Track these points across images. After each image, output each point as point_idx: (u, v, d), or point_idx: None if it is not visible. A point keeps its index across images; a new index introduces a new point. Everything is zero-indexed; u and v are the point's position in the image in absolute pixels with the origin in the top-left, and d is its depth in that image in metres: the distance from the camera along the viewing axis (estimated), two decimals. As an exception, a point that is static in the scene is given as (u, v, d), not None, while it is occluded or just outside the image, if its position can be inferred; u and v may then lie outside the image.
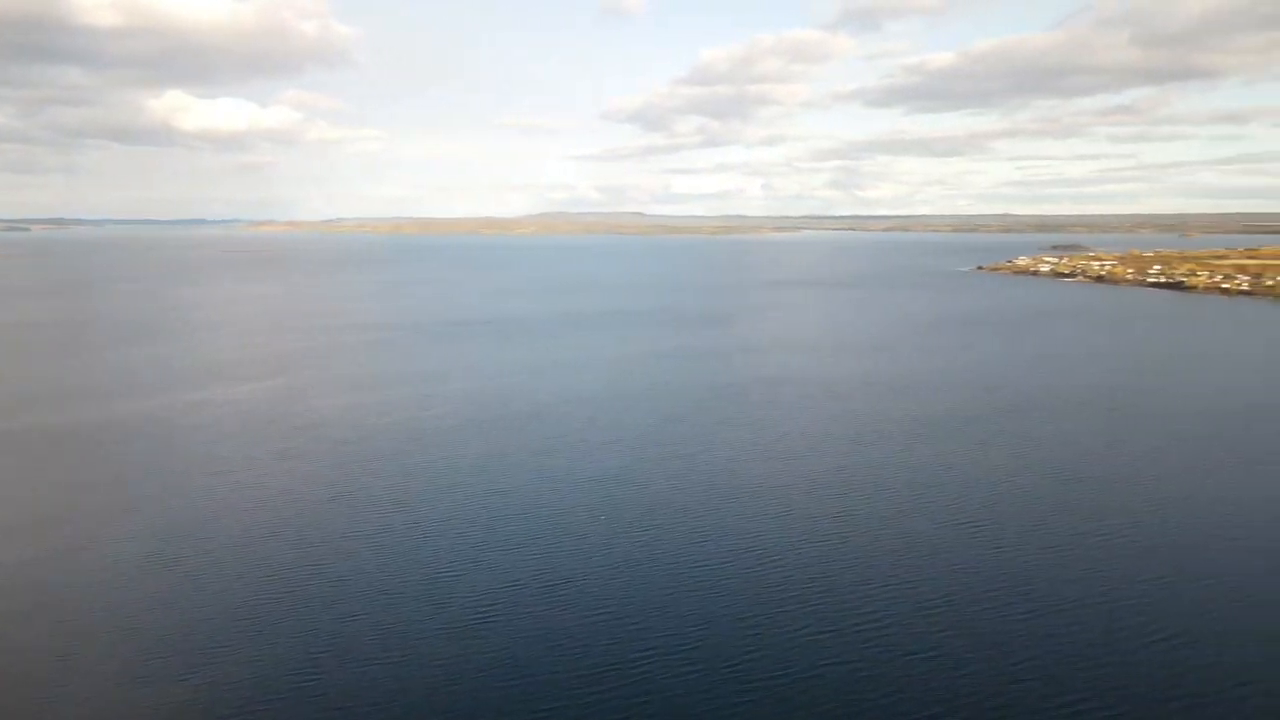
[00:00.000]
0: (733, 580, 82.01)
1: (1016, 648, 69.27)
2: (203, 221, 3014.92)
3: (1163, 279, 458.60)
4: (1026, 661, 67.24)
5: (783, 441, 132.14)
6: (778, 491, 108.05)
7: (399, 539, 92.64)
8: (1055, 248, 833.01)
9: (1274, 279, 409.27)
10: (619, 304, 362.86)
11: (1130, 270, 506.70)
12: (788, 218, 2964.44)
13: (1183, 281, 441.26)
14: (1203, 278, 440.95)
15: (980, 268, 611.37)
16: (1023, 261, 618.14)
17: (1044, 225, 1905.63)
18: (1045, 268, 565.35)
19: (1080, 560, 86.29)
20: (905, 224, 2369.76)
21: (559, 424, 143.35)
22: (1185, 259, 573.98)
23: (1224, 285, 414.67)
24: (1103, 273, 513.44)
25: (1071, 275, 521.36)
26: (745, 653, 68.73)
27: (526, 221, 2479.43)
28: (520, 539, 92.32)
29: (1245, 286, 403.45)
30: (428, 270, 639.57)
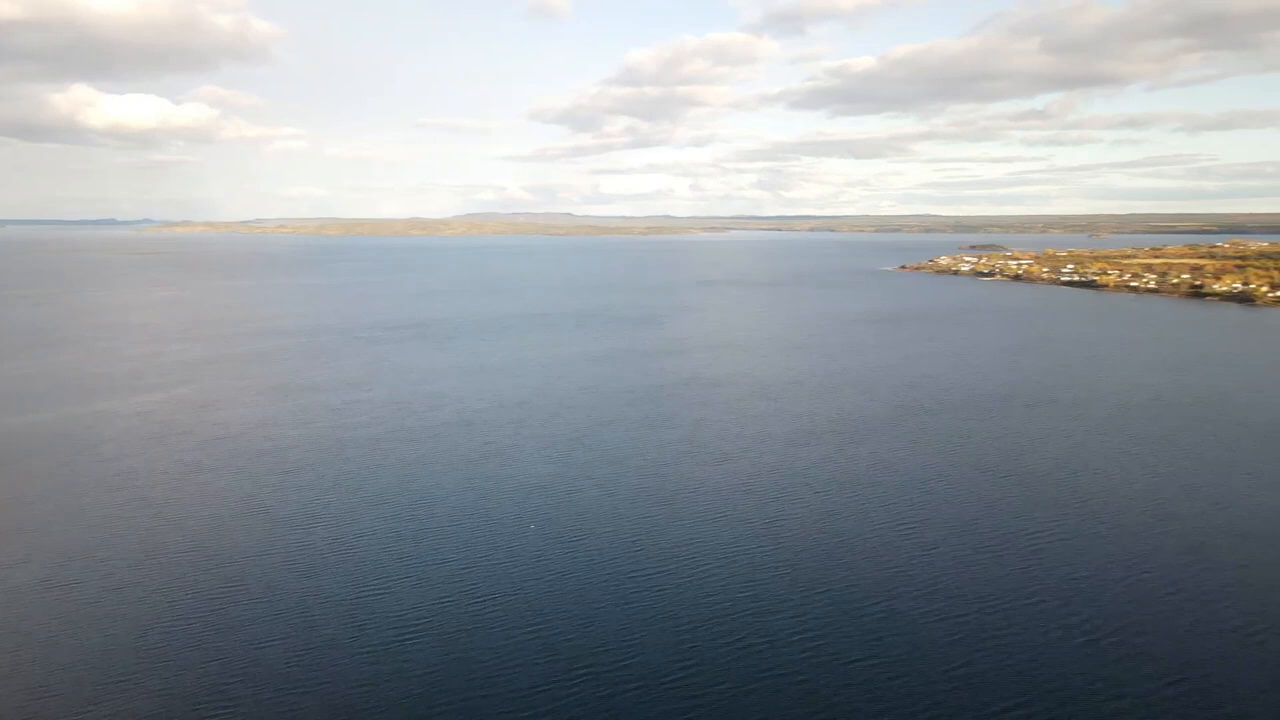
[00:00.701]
0: (668, 589, 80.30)
1: (950, 648, 69.14)
2: (113, 222, 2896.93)
3: (1076, 278, 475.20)
4: (961, 663, 67.09)
5: (717, 443, 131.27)
6: (712, 495, 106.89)
7: (318, 556, 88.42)
8: (974, 247, 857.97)
9: (1179, 278, 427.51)
10: (550, 305, 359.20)
11: (1046, 269, 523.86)
12: (716, 218, 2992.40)
13: (1094, 280, 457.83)
14: (1113, 276, 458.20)
15: (904, 267, 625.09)
16: (944, 261, 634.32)
17: (962, 226, 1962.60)
18: (965, 267, 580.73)
19: (1009, 558, 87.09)
20: (830, 224, 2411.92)
21: (488, 430, 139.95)
22: (1096, 258, 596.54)
23: (1133, 284, 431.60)
24: (1020, 272, 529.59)
25: (990, 274, 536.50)
26: (681, 664, 67.06)
27: (456, 222, 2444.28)
28: (447, 553, 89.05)
29: (1152, 284, 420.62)
30: (353, 272, 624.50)
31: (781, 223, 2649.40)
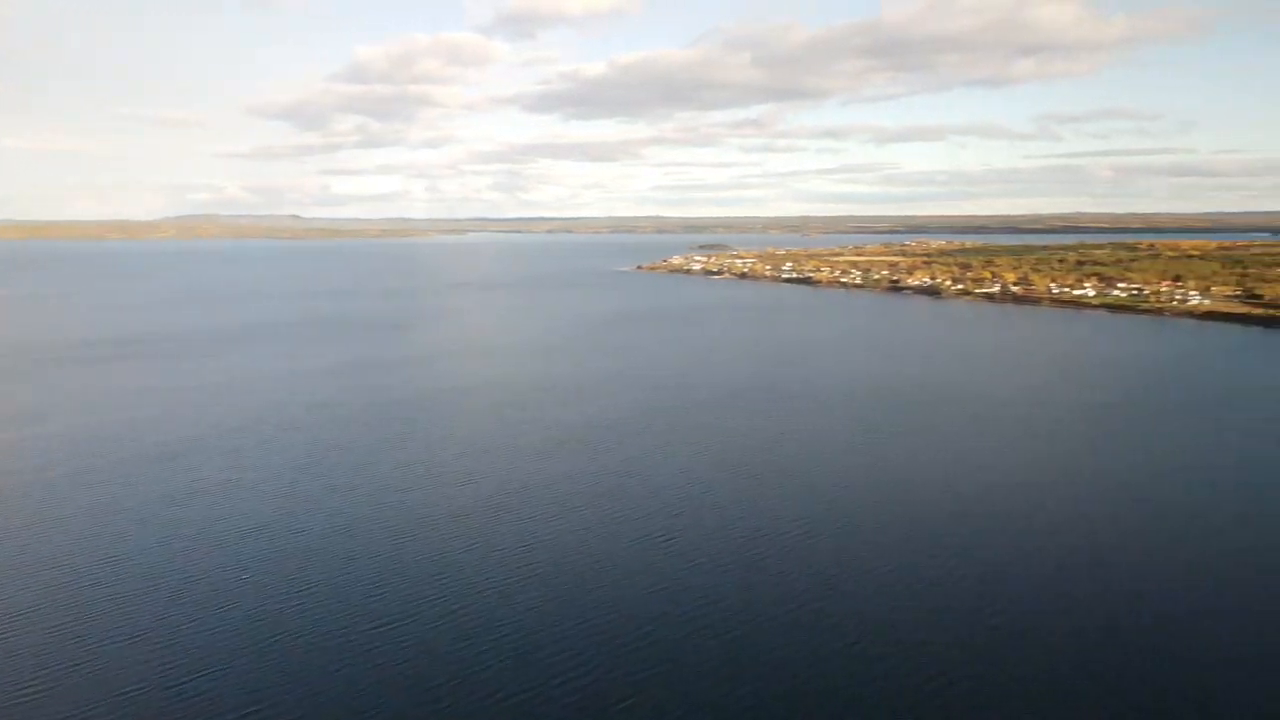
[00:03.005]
0: (412, 639, 71.70)
1: (719, 664, 66.89)
2: None
3: (795, 275, 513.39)
4: (729, 676, 64.99)
5: (460, 461, 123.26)
6: (457, 521, 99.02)
7: (-39, 645, 70.45)
8: (703, 247, 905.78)
9: (880, 274, 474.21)
10: (276, 315, 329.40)
11: (768, 267, 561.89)
12: (454, 220, 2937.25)
13: (811, 277, 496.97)
14: (826, 273, 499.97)
15: (640, 267, 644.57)
16: (676, 261, 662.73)
17: (691, 226, 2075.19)
18: (697, 266, 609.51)
19: (767, 560, 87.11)
20: (568, 225, 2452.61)
21: (196, 464, 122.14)
22: (811, 256, 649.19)
23: (843, 280, 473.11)
24: (746, 270, 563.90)
25: (719, 273, 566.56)
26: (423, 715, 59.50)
27: (165, 225, 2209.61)
28: (135, 626, 74.12)
29: (859, 280, 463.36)
30: (38, 282, 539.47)
31: (520, 224, 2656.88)
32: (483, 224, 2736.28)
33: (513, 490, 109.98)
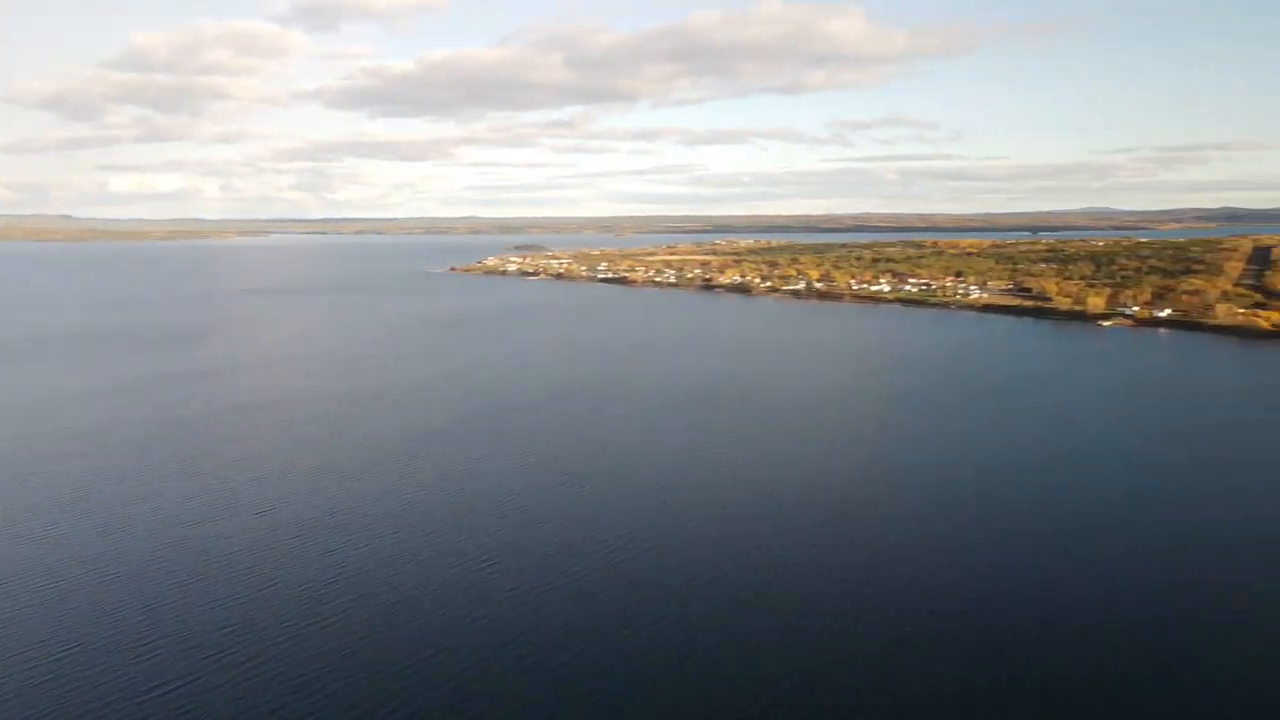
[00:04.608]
0: (192, 698, 62.96)
1: (530, 700, 62.97)
2: None
3: (610, 275, 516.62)
4: (545, 711, 61.27)
5: (256, 487, 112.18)
6: (251, 556, 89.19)
7: None
8: (518, 248, 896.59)
9: (693, 273, 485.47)
10: (40, 328, 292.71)
11: (584, 268, 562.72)
12: (254, 220, 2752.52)
13: (626, 276, 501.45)
14: (640, 273, 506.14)
15: (453, 269, 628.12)
16: (491, 262, 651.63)
17: (506, 227, 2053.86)
18: (512, 267, 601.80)
19: (585, 579, 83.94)
20: (378, 226, 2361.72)
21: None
22: (625, 256, 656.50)
23: (657, 279, 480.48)
24: (561, 271, 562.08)
25: (535, 274, 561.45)
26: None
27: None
28: None
29: (673, 279, 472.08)
30: None
31: (327, 225, 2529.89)
32: (286, 224, 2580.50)
33: (317, 517, 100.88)
